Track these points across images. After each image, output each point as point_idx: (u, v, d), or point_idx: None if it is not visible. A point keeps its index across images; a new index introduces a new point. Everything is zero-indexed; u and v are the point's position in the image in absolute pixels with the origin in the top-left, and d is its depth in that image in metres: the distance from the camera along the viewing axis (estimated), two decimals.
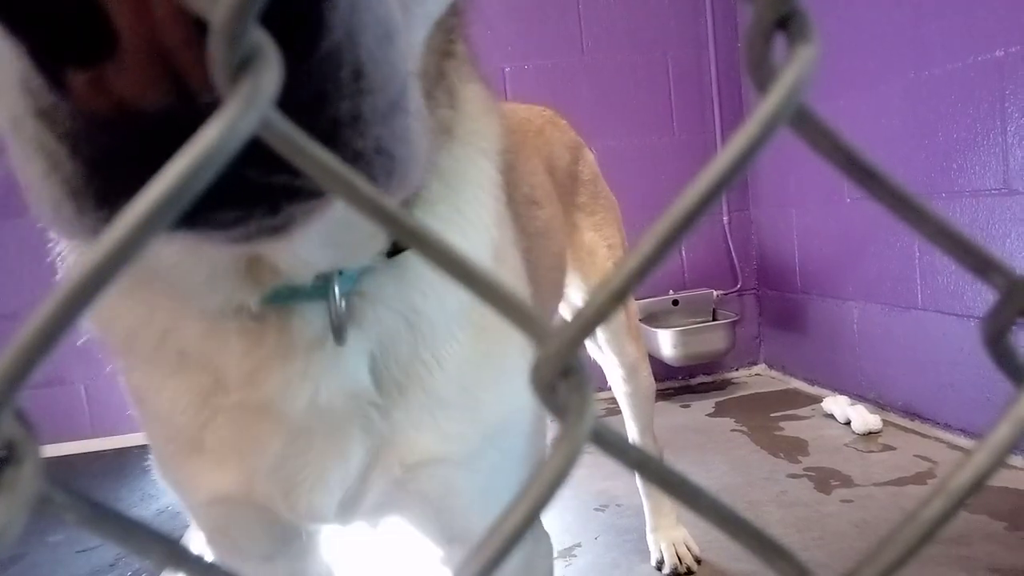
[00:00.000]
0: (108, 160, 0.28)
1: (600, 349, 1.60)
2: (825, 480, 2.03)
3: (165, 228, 0.17)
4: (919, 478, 1.98)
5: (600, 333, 1.51)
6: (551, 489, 0.18)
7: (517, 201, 0.86)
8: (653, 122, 3.05)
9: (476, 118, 0.67)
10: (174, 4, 0.23)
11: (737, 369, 3.22)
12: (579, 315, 0.19)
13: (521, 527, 0.17)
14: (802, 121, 0.20)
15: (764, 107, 0.18)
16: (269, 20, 0.24)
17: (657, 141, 3.06)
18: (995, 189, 1.99)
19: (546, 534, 0.86)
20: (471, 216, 0.65)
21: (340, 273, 0.56)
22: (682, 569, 1.66)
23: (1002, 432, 0.20)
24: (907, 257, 2.32)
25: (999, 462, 0.20)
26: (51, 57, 0.25)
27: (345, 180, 0.19)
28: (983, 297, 2.08)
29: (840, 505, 1.87)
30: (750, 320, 3.22)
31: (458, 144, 0.65)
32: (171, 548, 0.18)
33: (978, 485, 0.19)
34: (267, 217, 0.32)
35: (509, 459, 0.71)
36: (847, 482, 2.00)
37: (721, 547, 1.72)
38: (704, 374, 3.17)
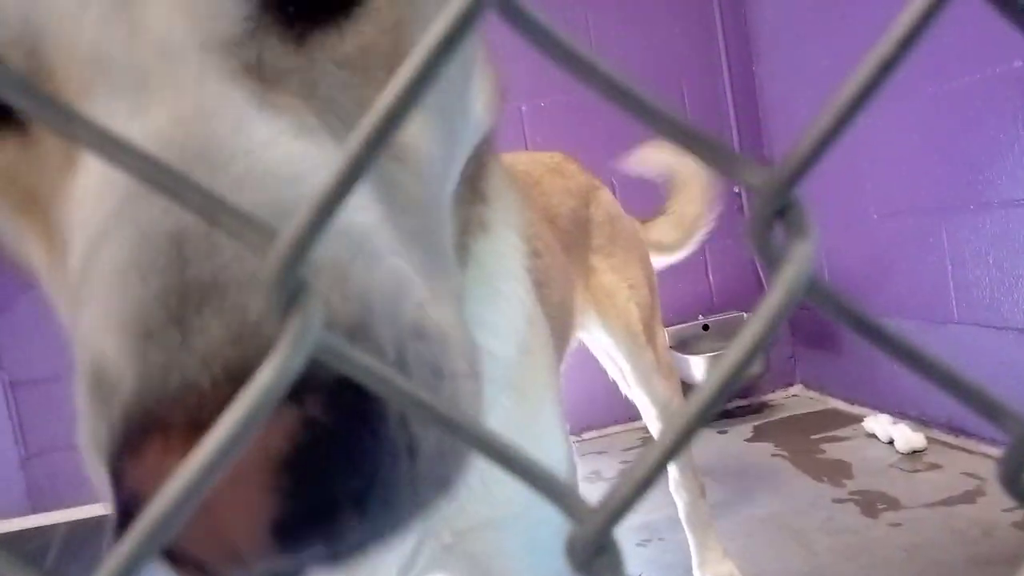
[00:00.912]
0: None
1: (630, 387, 1.59)
2: (872, 504, 1.99)
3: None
4: (968, 497, 1.94)
5: (630, 373, 1.51)
6: None
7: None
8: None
9: (504, 206, 0.73)
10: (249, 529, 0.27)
11: (773, 391, 3.18)
12: (610, 498, 0.20)
13: None
14: (811, 291, 0.21)
15: (771, 299, 0.19)
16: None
17: None
18: None
19: None
20: (507, 293, 0.72)
21: None
22: None
23: None
24: (939, 271, 2.29)
25: None
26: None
27: (403, 390, 0.20)
28: (1021, 308, 2.04)
29: (888, 529, 1.84)
30: (783, 340, 3.19)
31: (492, 234, 0.70)
32: None
33: None
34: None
35: (552, 512, 0.73)
36: (894, 505, 1.97)
37: None
38: (740, 398, 3.14)
